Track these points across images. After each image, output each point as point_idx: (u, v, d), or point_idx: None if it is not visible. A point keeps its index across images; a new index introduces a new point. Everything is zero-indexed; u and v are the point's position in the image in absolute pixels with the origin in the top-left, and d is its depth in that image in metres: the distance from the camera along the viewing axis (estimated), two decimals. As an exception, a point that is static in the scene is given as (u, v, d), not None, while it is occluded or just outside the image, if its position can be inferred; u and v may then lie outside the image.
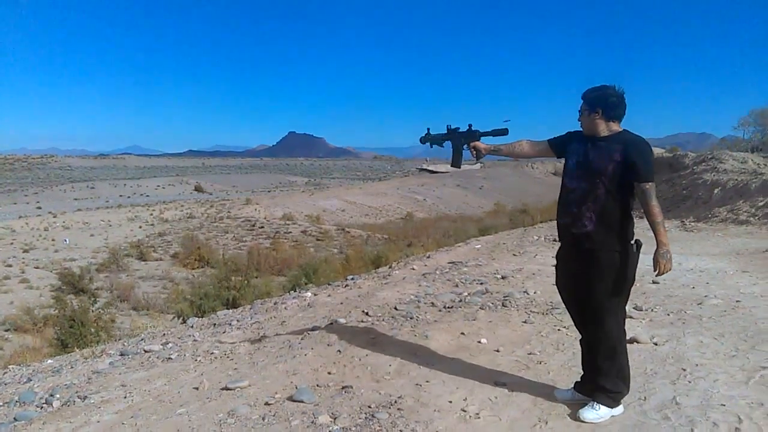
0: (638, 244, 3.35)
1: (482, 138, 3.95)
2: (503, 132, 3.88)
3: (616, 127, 3.35)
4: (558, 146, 3.64)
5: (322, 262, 23.01)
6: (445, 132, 4.17)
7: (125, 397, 4.43)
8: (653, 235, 3.25)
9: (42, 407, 4.64)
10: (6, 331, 20.85)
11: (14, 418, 4.40)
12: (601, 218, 3.28)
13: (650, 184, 3.23)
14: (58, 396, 4.81)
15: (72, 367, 6.13)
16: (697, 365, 4.11)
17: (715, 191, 15.60)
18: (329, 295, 7.47)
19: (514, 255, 9.42)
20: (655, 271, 3.25)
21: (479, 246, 11.03)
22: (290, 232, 50.45)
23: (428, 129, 4.28)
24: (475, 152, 3.93)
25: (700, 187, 16.64)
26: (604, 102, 3.31)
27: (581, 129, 3.50)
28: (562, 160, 3.79)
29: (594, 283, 3.33)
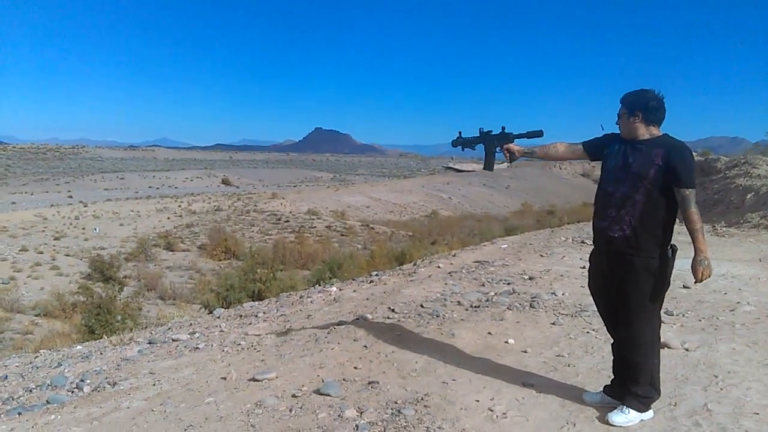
0: (674, 249, 3.30)
1: (516, 140, 3.91)
2: (538, 134, 3.84)
3: (656, 131, 3.30)
4: (593, 149, 3.60)
5: (346, 257, 23.06)
6: (477, 135, 4.15)
7: (154, 385, 4.50)
8: (691, 241, 3.21)
9: (73, 391, 4.74)
10: (36, 316, 21.28)
11: (47, 401, 4.51)
12: (640, 222, 3.23)
13: (690, 190, 3.18)
14: (88, 381, 4.91)
15: (101, 354, 6.25)
16: (729, 372, 4.04)
17: (748, 196, 15.27)
18: (354, 291, 7.48)
19: (541, 256, 9.33)
20: (694, 279, 3.21)
21: (505, 246, 10.95)
22: (315, 227, 50.70)
23: (459, 132, 4.27)
24: (508, 155, 3.89)
25: (733, 191, 16.30)
26: (644, 106, 3.26)
27: (619, 132, 3.45)
28: (592, 162, 3.74)
29: (628, 288, 3.29)
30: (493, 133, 4.06)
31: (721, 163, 19.97)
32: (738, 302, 5.99)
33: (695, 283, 3.24)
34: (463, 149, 4.28)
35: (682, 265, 3.26)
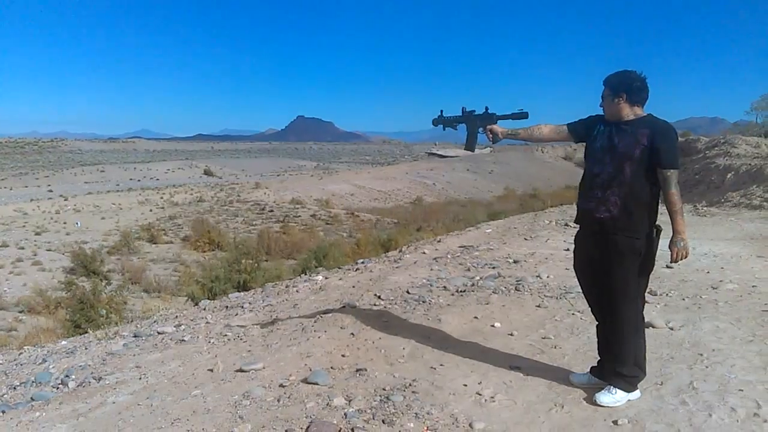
0: (658, 229, 3.31)
1: (500, 122, 3.88)
2: (523, 116, 3.81)
3: (640, 111, 3.31)
4: (578, 131, 3.59)
5: (332, 245, 23.01)
6: (460, 114, 4.09)
7: (140, 379, 4.46)
8: (670, 221, 3.23)
9: (58, 388, 4.69)
10: (20, 312, 21.05)
11: (31, 398, 4.45)
12: (626, 203, 3.24)
13: (672, 171, 3.19)
14: (73, 377, 4.85)
15: (86, 349, 6.18)
16: (713, 350, 4.08)
17: (728, 176, 15.45)
18: (340, 279, 7.46)
19: (525, 239, 9.37)
20: (670, 259, 3.24)
21: (490, 230, 10.99)
22: (300, 216, 50.56)
23: (441, 111, 4.21)
24: (491, 135, 3.86)
25: (713, 171, 16.48)
26: (627, 86, 3.26)
27: (603, 114, 3.45)
28: (574, 145, 3.74)
29: (613, 269, 3.30)
30: (476, 113, 4.01)
31: (702, 143, 20.17)
32: (721, 280, 6.06)
33: (671, 263, 3.27)
34: (444, 128, 4.23)
35: (664, 245, 3.28)
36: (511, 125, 3.88)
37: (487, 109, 3.95)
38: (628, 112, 3.31)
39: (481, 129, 3.96)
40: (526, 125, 3.84)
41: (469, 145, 4.10)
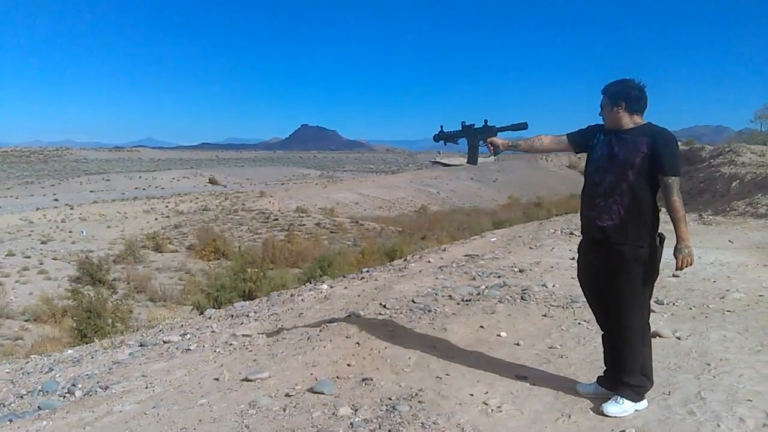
0: (661, 237, 3.31)
1: (500, 133, 3.90)
2: (522, 126, 3.82)
3: (639, 119, 3.32)
4: (578, 141, 3.60)
5: (337, 254, 23.03)
6: (460, 129, 4.11)
7: (146, 388, 4.46)
8: (673, 229, 3.23)
9: (65, 396, 4.70)
10: (26, 321, 21.11)
11: (38, 407, 4.46)
12: (628, 211, 3.24)
13: (674, 178, 3.19)
14: (80, 386, 4.87)
15: (92, 358, 6.20)
16: (721, 360, 4.06)
17: (733, 184, 15.39)
18: (346, 288, 7.46)
19: (530, 248, 9.35)
20: (675, 267, 3.24)
21: (495, 239, 10.97)
22: (304, 225, 50.65)
23: (441, 126, 4.24)
24: (492, 148, 3.88)
25: (718, 180, 16.42)
26: (626, 95, 3.28)
27: (602, 123, 3.46)
28: (577, 154, 3.75)
29: (617, 278, 3.29)
30: (475, 126, 4.03)
31: (706, 151, 20.11)
32: (727, 289, 6.03)
33: (675, 271, 3.27)
34: (445, 144, 4.25)
35: (669, 254, 3.28)
36: (512, 136, 3.89)
37: (486, 121, 3.96)
38: (628, 121, 3.32)
39: (482, 141, 3.98)
40: (526, 136, 3.85)
41: (472, 159, 4.13)
